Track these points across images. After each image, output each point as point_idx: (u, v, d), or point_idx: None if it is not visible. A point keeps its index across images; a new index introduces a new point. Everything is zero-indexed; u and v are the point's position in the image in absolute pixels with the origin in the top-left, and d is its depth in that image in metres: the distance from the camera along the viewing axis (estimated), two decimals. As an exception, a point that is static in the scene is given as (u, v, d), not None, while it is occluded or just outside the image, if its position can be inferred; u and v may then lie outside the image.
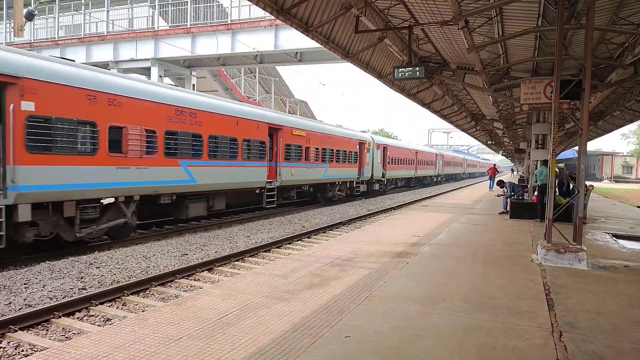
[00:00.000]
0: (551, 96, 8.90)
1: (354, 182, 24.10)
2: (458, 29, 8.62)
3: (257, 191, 15.83)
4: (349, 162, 23.10)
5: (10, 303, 6.31)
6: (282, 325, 4.34)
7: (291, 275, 6.32)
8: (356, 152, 23.98)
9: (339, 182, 22.28)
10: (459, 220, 13.00)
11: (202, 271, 8.56)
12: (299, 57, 22.37)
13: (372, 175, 26.81)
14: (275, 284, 5.82)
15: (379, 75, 13.70)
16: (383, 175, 29.08)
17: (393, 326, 4.37)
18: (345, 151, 22.60)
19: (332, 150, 21.16)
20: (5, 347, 5.09)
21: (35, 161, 8.44)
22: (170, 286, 7.70)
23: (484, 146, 57.71)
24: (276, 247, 10.95)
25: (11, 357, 4.90)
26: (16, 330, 5.43)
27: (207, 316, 4.59)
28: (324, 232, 13.55)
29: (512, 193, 15.18)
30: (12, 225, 8.22)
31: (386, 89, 15.90)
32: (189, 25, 21.96)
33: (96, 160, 9.66)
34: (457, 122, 27.02)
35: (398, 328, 4.33)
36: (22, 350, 5.04)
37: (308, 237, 12.55)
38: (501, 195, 16.26)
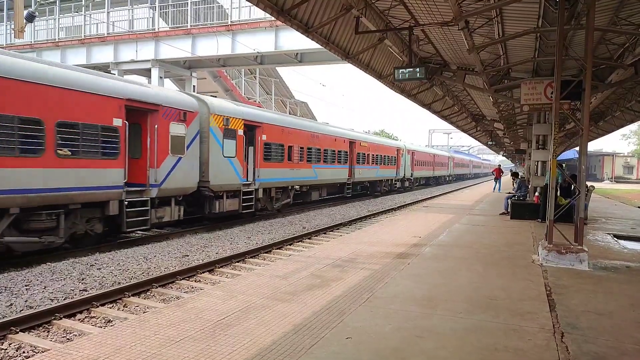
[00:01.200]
0: (552, 97, 8.90)
1: (393, 180, 32.18)
2: (458, 29, 8.63)
3: (338, 185, 23.55)
4: (390, 164, 30.96)
5: (11, 305, 6.31)
6: (283, 327, 4.34)
7: (292, 276, 6.32)
8: (395, 157, 32.00)
9: (384, 180, 30.16)
10: (460, 220, 12.99)
11: (203, 272, 8.56)
12: (299, 58, 22.36)
13: (404, 175, 34.49)
14: (276, 285, 5.82)
15: (379, 76, 13.70)
16: (411, 175, 36.77)
17: (394, 327, 4.37)
18: (389, 156, 30.63)
19: (382, 155, 29.00)
20: (6, 349, 5.09)
21: (265, 166, 15.95)
22: (171, 287, 7.70)
23: (485, 147, 57.91)
24: (277, 248, 10.95)
25: (12, 359, 4.90)
26: (17, 332, 5.43)
27: (208, 317, 4.59)
28: (325, 233, 13.55)
29: (518, 191, 15.13)
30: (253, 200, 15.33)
31: (386, 89, 16.23)
32: (189, 27, 21.95)
33: (283, 165, 17.23)
34: (458, 123, 27.03)
35: (399, 329, 4.32)
36: (24, 352, 5.04)
37: (309, 238, 12.55)
38: (510, 192, 16.22)
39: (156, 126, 11.08)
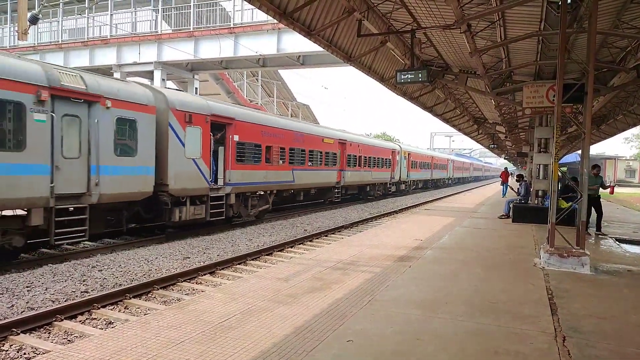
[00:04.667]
0: (554, 100, 8.87)
1: (445, 179, 51.32)
2: (460, 32, 8.64)
3: (423, 181, 41.87)
4: (444, 169, 49.65)
5: (12, 306, 6.32)
6: (284, 329, 4.34)
7: (293, 278, 6.32)
8: (446, 165, 50.73)
9: (441, 179, 49.28)
10: (462, 224, 12.97)
11: (204, 274, 8.56)
12: (301, 60, 22.40)
13: (449, 176, 53.60)
14: (277, 288, 5.82)
15: (382, 79, 13.71)
16: (452, 176, 55.74)
17: (395, 330, 4.36)
18: (444, 164, 49.11)
19: (441, 164, 47.38)
20: (7, 350, 5.10)
21: (412, 170, 35.44)
22: (173, 289, 7.70)
23: (486, 150, 58.09)
24: (278, 251, 10.94)
25: (13, 360, 4.91)
26: (18, 333, 5.43)
27: (209, 319, 4.59)
28: (326, 236, 13.53)
29: (524, 194, 15.07)
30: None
31: (388, 92, 16.23)
32: (192, 29, 22.03)
33: (416, 170, 36.98)
34: (460, 126, 27.01)
35: (400, 332, 4.32)
36: (25, 354, 5.04)
37: (310, 241, 12.53)
38: (515, 193, 16.13)
39: (395, 157, 29.58)
